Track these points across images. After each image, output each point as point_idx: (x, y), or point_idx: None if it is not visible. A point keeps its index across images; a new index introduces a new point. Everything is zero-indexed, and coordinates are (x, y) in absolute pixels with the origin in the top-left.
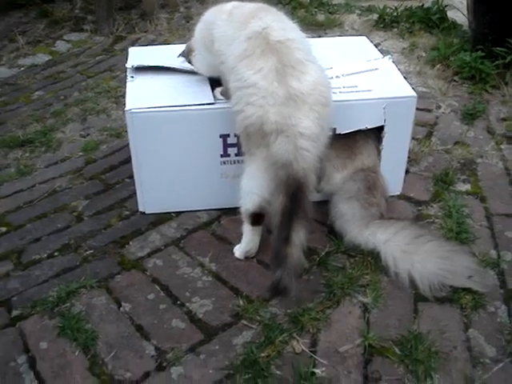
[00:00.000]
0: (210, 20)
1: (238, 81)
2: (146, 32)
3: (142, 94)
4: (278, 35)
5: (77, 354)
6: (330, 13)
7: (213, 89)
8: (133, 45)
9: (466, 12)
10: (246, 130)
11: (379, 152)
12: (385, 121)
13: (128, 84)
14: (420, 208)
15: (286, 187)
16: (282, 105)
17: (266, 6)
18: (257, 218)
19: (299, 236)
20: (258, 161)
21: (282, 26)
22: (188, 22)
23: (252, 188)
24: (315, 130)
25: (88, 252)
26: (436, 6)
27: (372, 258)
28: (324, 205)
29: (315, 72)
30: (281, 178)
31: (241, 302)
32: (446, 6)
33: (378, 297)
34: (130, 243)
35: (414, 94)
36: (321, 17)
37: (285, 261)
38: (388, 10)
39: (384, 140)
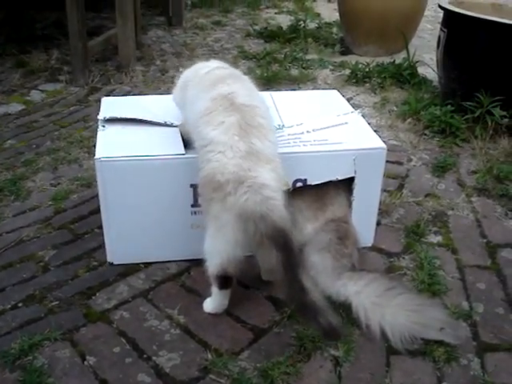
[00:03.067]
0: (187, 79)
1: (199, 140)
2: (121, 83)
3: (113, 144)
4: (243, 100)
5: None
6: (304, 68)
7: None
8: (107, 96)
9: (435, 68)
10: (201, 182)
11: (350, 203)
12: (355, 172)
13: (99, 133)
14: (391, 260)
15: (274, 240)
16: (243, 158)
17: (238, 73)
18: (224, 282)
19: (308, 280)
20: (213, 220)
21: (248, 93)
22: (163, 74)
23: (212, 250)
24: (274, 184)
25: (53, 303)
26: (407, 62)
27: (343, 310)
28: None
29: (274, 140)
30: (264, 232)
31: (209, 356)
32: (416, 62)
33: (349, 350)
34: (97, 294)
35: (383, 145)
36: (295, 71)
37: (316, 307)
38: (360, 65)
39: (354, 191)
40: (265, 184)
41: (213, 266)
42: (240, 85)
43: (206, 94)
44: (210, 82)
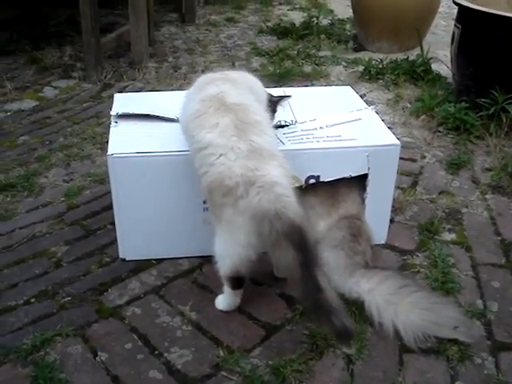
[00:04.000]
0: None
1: (194, 143)
2: (134, 80)
3: (125, 140)
4: (233, 99)
5: None
6: (317, 64)
7: None
8: (120, 92)
9: (449, 65)
10: (209, 188)
11: (363, 200)
12: (369, 169)
13: (111, 129)
14: (405, 257)
15: (291, 238)
16: (246, 158)
17: (232, 75)
18: (236, 282)
19: (323, 279)
20: (223, 224)
21: (238, 92)
22: (176, 71)
23: (224, 253)
24: (285, 180)
25: (65, 299)
26: (421, 59)
27: (356, 308)
28: None
29: (274, 135)
30: (280, 231)
31: (221, 353)
32: (430, 58)
33: (362, 348)
34: (109, 290)
35: (397, 142)
36: (307, 68)
37: (331, 307)
38: (373, 62)
39: (368, 188)
40: (276, 182)
41: (225, 267)
42: (230, 85)
43: (196, 96)
44: (200, 84)
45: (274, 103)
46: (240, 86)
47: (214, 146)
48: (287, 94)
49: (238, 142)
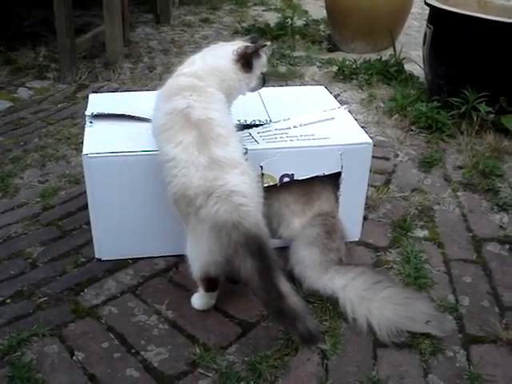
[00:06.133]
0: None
1: (161, 154)
2: (109, 81)
3: (100, 140)
4: (198, 114)
5: None
6: (291, 65)
7: None
8: (95, 93)
9: (422, 64)
10: (174, 198)
11: (337, 198)
12: (342, 167)
13: (86, 129)
14: (378, 254)
15: (248, 248)
16: (206, 169)
17: (199, 83)
18: (209, 284)
19: (285, 284)
20: (190, 231)
21: (204, 105)
22: (151, 71)
23: (193, 256)
24: (245, 187)
25: (41, 299)
26: (394, 59)
27: (331, 304)
28: (284, 251)
29: (237, 143)
30: (237, 241)
31: (197, 350)
32: (403, 58)
33: (336, 343)
34: (85, 290)
35: (369, 140)
36: (282, 68)
37: (294, 313)
38: (347, 62)
39: (341, 186)
40: (233, 190)
41: (196, 270)
42: (196, 97)
43: (164, 106)
44: (169, 92)
45: (251, 55)
46: (208, 94)
47: (177, 160)
48: (264, 44)
49: (198, 156)
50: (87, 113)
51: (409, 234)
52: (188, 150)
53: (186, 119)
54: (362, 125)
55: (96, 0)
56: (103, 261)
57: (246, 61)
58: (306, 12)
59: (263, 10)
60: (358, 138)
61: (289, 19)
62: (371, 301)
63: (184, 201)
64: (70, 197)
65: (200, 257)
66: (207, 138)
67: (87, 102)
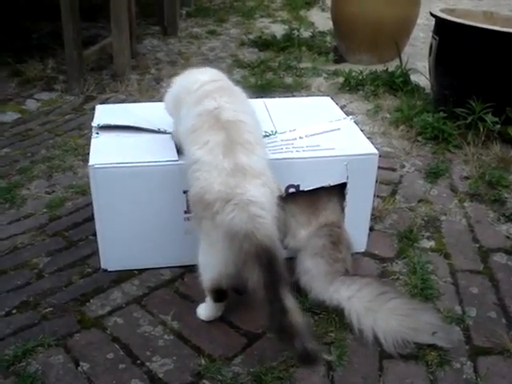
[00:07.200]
0: (179, 92)
1: (187, 157)
2: (116, 92)
3: (107, 151)
4: (229, 115)
5: None
6: (298, 76)
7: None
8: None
9: (428, 75)
10: (192, 201)
11: (343, 209)
12: (347, 178)
13: (93, 140)
14: (385, 265)
15: (258, 259)
16: (228, 176)
17: (228, 85)
18: (219, 295)
19: (290, 300)
20: (205, 236)
21: (234, 107)
22: (158, 83)
23: (206, 265)
24: (264, 199)
25: (47, 310)
26: (399, 70)
27: (336, 315)
28: (290, 262)
29: (263, 154)
30: (248, 251)
31: (202, 361)
32: (409, 69)
33: (342, 354)
34: (91, 301)
35: (375, 151)
36: (289, 80)
37: (294, 331)
38: (353, 73)
39: (347, 197)
40: (252, 201)
41: (207, 280)
42: (227, 98)
43: (193, 110)
44: (198, 98)
45: None
46: (238, 99)
47: (201, 162)
48: None
49: (223, 160)
50: (93, 124)
51: (415, 244)
52: (213, 151)
53: (216, 119)
54: (368, 135)
55: (104, 12)
56: (109, 271)
57: None
58: (313, 24)
59: (270, 22)
60: (363, 149)
61: (295, 31)
62: (377, 312)
63: (201, 205)
64: (76, 207)
65: (212, 265)
66: (235, 142)
67: (94, 113)
